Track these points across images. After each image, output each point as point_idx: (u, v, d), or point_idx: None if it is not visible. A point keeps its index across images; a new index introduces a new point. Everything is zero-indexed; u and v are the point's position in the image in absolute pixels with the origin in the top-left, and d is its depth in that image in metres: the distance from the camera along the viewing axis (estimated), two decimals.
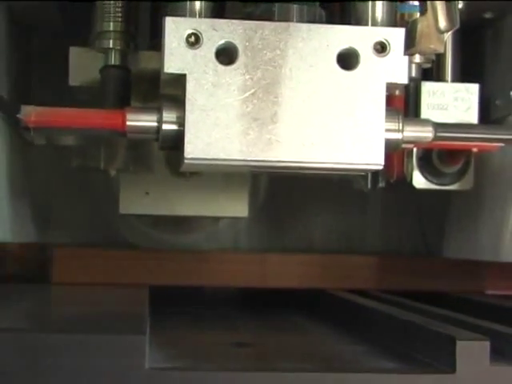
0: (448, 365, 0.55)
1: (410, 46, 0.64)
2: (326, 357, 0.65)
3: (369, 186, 0.87)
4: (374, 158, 0.63)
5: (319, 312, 0.87)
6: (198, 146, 0.62)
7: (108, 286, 0.88)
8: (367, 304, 0.76)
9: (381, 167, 0.64)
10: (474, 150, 0.76)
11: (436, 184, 0.81)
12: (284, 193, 1.02)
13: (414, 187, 0.81)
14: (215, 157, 0.62)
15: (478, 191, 0.84)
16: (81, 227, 0.99)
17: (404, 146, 0.66)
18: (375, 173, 0.85)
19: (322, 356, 0.65)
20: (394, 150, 0.66)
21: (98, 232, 1.00)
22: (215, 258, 0.92)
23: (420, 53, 0.69)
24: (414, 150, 0.80)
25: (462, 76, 0.82)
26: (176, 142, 0.63)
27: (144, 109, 0.66)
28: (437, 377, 0.55)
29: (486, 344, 0.55)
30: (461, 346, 0.55)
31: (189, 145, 0.61)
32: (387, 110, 0.63)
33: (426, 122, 0.68)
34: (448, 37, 0.79)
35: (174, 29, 0.62)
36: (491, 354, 0.55)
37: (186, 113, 0.62)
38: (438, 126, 0.67)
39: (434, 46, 0.65)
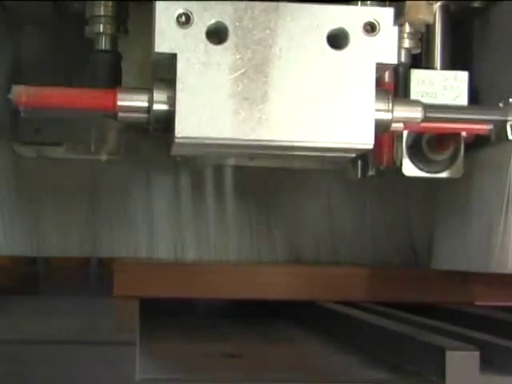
0: (438, 375, 0.55)
1: (399, 15, 0.64)
2: (315, 368, 0.64)
3: (359, 174, 0.88)
4: (364, 138, 0.64)
5: (309, 323, 0.87)
6: (189, 125, 0.62)
7: (99, 298, 0.87)
8: (357, 315, 0.76)
9: (371, 147, 0.64)
10: (464, 134, 0.76)
11: (426, 172, 0.81)
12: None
13: (403, 197, 0.81)
14: (206, 135, 0.62)
15: (466, 202, 0.84)
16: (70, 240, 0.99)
17: (394, 126, 0.67)
18: (365, 161, 0.85)
19: (311, 367, 0.65)
20: (384, 131, 0.66)
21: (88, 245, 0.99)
22: (204, 270, 0.92)
23: (409, 23, 0.69)
24: (404, 137, 0.80)
25: (451, 65, 0.83)
26: (167, 122, 0.63)
27: (135, 89, 0.66)
28: None
29: (476, 354, 0.55)
30: (450, 357, 0.55)
31: (179, 124, 0.62)
32: (377, 91, 0.64)
33: (416, 102, 0.69)
34: (437, 22, 0.80)
35: (165, 9, 0.62)
36: (480, 364, 0.55)
37: (177, 92, 0.62)
38: (428, 107, 0.68)
39: (423, 16, 0.65)
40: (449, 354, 0.55)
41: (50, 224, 0.99)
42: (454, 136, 0.78)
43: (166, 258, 1.00)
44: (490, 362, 0.57)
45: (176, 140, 0.62)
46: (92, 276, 1.08)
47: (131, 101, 0.64)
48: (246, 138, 0.62)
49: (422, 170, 0.81)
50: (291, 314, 0.92)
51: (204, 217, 1.01)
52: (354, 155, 0.68)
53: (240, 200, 1.01)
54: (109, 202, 0.99)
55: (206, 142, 0.63)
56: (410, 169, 0.81)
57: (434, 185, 0.93)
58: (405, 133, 0.79)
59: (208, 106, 0.62)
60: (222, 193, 1.01)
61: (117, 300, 0.85)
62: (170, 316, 0.91)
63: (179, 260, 1.00)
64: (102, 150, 0.82)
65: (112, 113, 0.65)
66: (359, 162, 0.86)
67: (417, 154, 0.80)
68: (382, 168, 0.83)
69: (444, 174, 0.81)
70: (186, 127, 0.62)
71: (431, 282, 0.91)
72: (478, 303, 0.90)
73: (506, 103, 0.77)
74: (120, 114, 0.65)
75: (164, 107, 0.63)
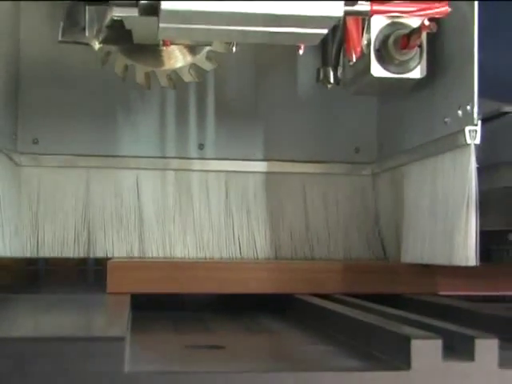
0: (404, 362, 0.55)
1: None
2: (294, 357, 0.64)
3: (331, 80, 0.92)
4: (333, 9, 0.67)
5: (288, 315, 0.87)
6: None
7: (89, 293, 0.86)
8: (332, 307, 0.76)
9: (341, 15, 0.68)
10: (426, 22, 0.76)
11: (392, 72, 0.81)
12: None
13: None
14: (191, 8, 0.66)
15: (431, 202, 0.84)
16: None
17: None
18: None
19: (290, 356, 0.65)
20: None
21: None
22: (191, 266, 0.91)
23: None
24: (372, 41, 0.80)
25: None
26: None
27: None
28: (394, 373, 0.55)
29: (438, 342, 0.55)
30: (415, 345, 0.54)
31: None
32: None
33: None
34: None
35: None
36: (443, 351, 0.55)
37: None
38: None
39: None
40: (414, 342, 0.54)
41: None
42: (417, 33, 0.78)
43: (156, 257, 0.99)
44: (452, 348, 0.57)
45: (162, 13, 0.64)
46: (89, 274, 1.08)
47: None
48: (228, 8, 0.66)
49: (388, 70, 0.82)
50: (271, 307, 0.91)
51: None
52: (326, 31, 0.70)
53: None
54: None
55: (191, 15, 0.65)
56: (378, 70, 0.81)
57: (401, 187, 0.93)
58: (372, 37, 0.81)
59: None
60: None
61: (110, 296, 0.84)
62: (161, 310, 0.90)
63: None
64: (96, 38, 0.80)
65: None
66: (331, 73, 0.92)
67: (384, 56, 0.81)
68: (353, 60, 0.85)
69: (409, 75, 0.82)
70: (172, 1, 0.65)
71: (400, 275, 0.91)
72: (441, 293, 0.90)
73: (464, 110, 0.77)
74: None
75: None
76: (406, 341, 0.55)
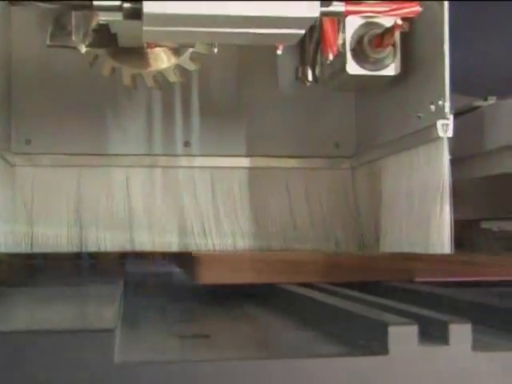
0: (382, 347, 0.55)
1: None
2: (277, 344, 0.64)
3: (310, 78, 0.93)
4: (309, 10, 0.68)
5: (272, 304, 0.87)
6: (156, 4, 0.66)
7: (84, 283, 0.86)
8: (314, 296, 0.76)
9: (317, 15, 0.68)
10: (398, 21, 0.76)
11: (368, 70, 0.82)
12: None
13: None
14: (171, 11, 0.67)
15: (407, 193, 0.84)
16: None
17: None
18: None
19: (274, 343, 0.65)
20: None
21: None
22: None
23: None
24: (348, 40, 0.80)
25: None
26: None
27: None
28: (372, 358, 0.55)
29: (415, 328, 0.55)
30: (392, 331, 0.55)
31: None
32: None
33: None
34: None
35: None
36: (419, 336, 0.55)
37: None
38: None
39: None
40: (391, 328, 0.55)
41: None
42: (391, 32, 0.79)
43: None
44: (427, 334, 0.57)
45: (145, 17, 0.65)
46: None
47: None
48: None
49: (364, 68, 0.82)
50: (257, 296, 0.91)
51: None
52: (303, 31, 0.71)
53: None
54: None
55: (172, 18, 0.66)
56: (353, 68, 0.81)
57: (379, 179, 0.93)
58: (348, 37, 0.81)
59: None
60: None
61: (102, 288, 0.84)
62: (151, 299, 0.91)
63: None
64: (82, 42, 0.79)
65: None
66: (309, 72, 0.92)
67: (359, 54, 0.81)
68: (330, 59, 0.85)
69: (384, 72, 0.82)
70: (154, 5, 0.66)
71: (378, 263, 0.91)
72: (418, 280, 0.90)
73: (436, 105, 0.77)
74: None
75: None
76: (384, 327, 0.55)
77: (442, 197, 0.77)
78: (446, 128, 0.77)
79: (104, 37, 0.79)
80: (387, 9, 0.77)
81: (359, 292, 0.79)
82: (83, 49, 0.78)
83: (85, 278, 1.10)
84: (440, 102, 0.76)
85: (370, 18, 0.80)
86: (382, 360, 0.55)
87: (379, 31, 0.80)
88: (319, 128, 1.06)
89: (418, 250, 0.82)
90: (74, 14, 0.75)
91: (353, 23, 0.81)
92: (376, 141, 0.96)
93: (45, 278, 1.07)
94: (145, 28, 0.68)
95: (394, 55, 0.82)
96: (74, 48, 0.79)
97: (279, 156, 1.04)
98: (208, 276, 0.87)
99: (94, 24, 0.74)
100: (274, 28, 0.69)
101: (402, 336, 0.55)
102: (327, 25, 0.83)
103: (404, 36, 0.82)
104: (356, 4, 0.75)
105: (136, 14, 0.68)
